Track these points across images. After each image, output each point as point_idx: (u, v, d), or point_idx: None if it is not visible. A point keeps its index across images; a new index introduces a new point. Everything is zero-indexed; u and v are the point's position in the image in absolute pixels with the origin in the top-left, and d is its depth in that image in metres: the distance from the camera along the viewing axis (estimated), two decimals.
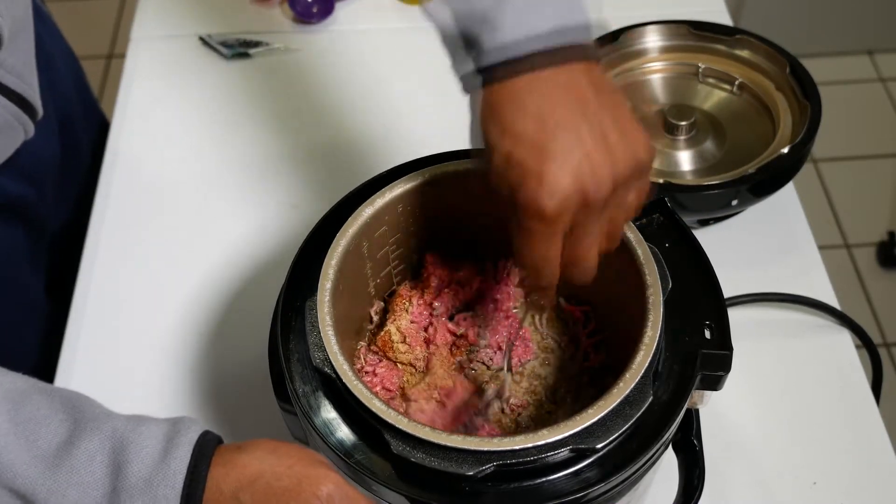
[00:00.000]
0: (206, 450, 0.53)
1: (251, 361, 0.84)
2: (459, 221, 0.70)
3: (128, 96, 1.07)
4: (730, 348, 0.59)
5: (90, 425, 0.53)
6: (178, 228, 0.96)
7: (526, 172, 0.52)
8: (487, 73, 0.54)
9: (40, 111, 0.79)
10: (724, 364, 0.59)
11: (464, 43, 0.55)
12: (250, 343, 0.85)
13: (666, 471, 0.66)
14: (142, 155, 1.02)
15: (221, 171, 1.00)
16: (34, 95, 0.78)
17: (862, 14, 2.24)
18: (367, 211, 0.65)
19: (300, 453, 0.54)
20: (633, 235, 0.62)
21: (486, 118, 0.54)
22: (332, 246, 0.63)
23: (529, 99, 0.52)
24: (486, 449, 0.53)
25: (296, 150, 1.02)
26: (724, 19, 1.12)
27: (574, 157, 0.52)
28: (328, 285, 0.61)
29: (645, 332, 0.58)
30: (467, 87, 0.56)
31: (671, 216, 0.67)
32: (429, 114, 1.03)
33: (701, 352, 0.59)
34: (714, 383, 0.59)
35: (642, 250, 0.62)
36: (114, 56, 2.34)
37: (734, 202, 0.85)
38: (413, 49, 1.10)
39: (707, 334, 0.60)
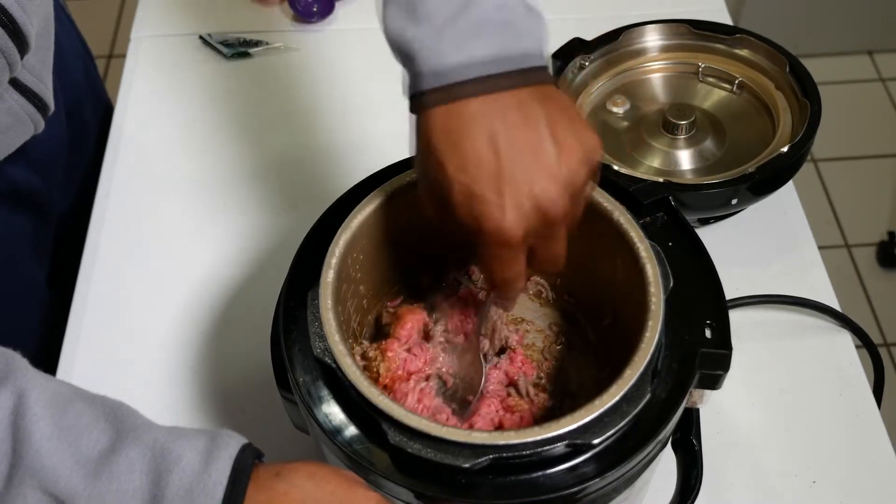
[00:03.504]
0: (244, 466, 0.53)
1: (252, 356, 0.84)
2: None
3: (128, 96, 1.07)
4: (729, 348, 0.59)
5: (131, 434, 0.53)
6: (178, 227, 0.96)
7: (487, 205, 0.53)
8: (428, 95, 0.54)
9: (52, 108, 0.80)
10: (724, 363, 0.59)
11: (403, 60, 0.56)
12: (250, 337, 0.86)
13: (665, 469, 0.66)
14: (142, 154, 1.02)
15: (221, 169, 1.00)
16: (48, 94, 0.79)
17: (862, 14, 2.24)
18: (376, 199, 0.66)
19: (338, 477, 0.54)
20: (634, 233, 0.63)
21: (436, 146, 0.54)
22: (336, 237, 0.63)
23: (481, 124, 0.53)
24: (482, 442, 0.54)
25: (296, 150, 1.02)
26: (724, 18, 1.13)
27: (531, 183, 0.52)
28: (331, 276, 0.61)
29: (645, 330, 0.58)
30: (414, 108, 0.56)
31: (674, 215, 0.67)
32: None
33: (700, 350, 0.59)
34: (713, 382, 0.59)
35: (644, 248, 0.62)
36: (114, 56, 2.34)
37: (734, 201, 0.85)
38: None
39: (707, 333, 0.60)
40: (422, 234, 0.70)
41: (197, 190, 0.99)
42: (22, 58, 0.69)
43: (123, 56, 1.13)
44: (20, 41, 0.68)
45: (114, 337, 0.87)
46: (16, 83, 0.74)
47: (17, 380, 0.53)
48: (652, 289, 0.60)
